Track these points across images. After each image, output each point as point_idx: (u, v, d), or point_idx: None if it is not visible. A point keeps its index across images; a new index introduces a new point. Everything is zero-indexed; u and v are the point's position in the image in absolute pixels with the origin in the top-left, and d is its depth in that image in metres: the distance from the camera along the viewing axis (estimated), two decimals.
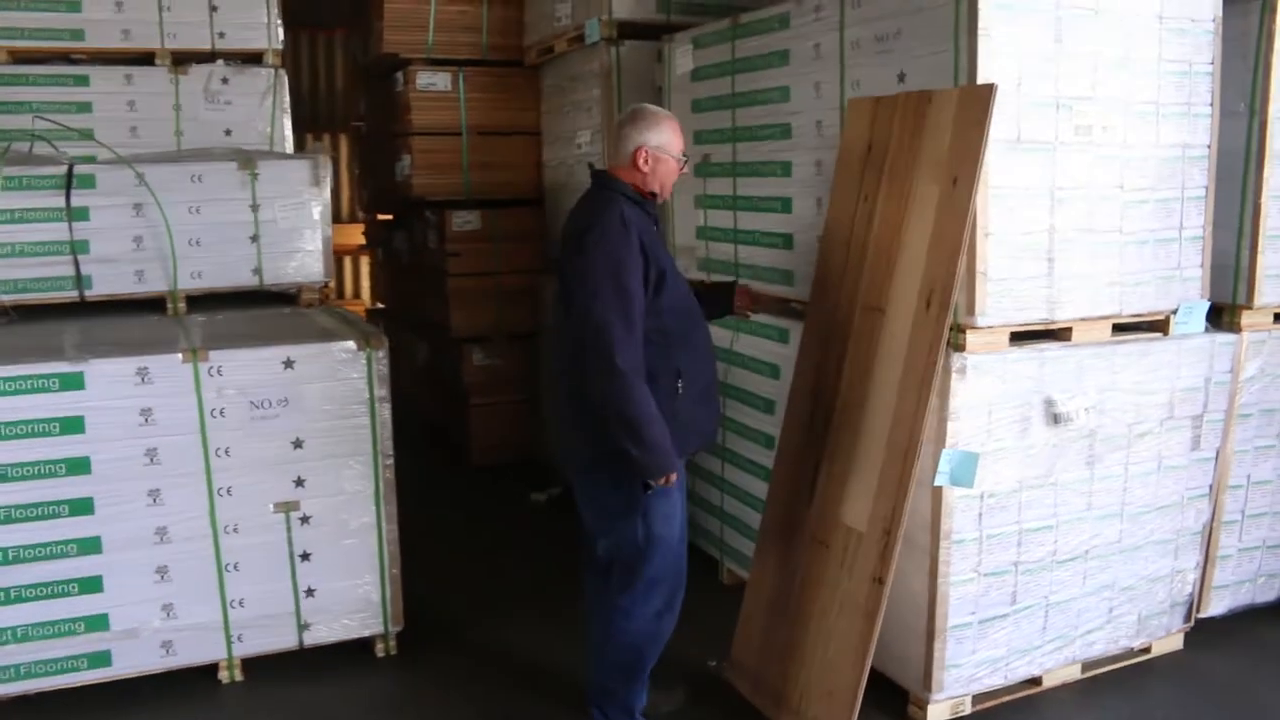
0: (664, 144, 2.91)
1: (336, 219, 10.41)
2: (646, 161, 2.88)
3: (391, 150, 6.11)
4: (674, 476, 2.83)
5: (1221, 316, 3.58)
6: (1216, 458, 3.58)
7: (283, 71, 4.91)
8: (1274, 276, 3.58)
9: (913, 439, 2.88)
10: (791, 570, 3.28)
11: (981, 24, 2.86)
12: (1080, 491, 3.30)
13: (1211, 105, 3.34)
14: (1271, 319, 3.63)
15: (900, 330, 2.98)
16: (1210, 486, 3.58)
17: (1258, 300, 3.55)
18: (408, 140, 5.70)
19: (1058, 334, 3.21)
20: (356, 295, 10.73)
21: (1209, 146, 3.36)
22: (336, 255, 10.28)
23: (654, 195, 2.95)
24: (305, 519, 3.51)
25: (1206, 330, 3.48)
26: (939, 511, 3.07)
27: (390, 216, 7.41)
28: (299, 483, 3.48)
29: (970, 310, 3.00)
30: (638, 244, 2.74)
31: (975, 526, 3.14)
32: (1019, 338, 3.13)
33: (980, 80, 2.86)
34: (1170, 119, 3.26)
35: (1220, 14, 3.30)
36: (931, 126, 2.97)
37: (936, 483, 3.03)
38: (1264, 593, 3.91)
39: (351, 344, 3.50)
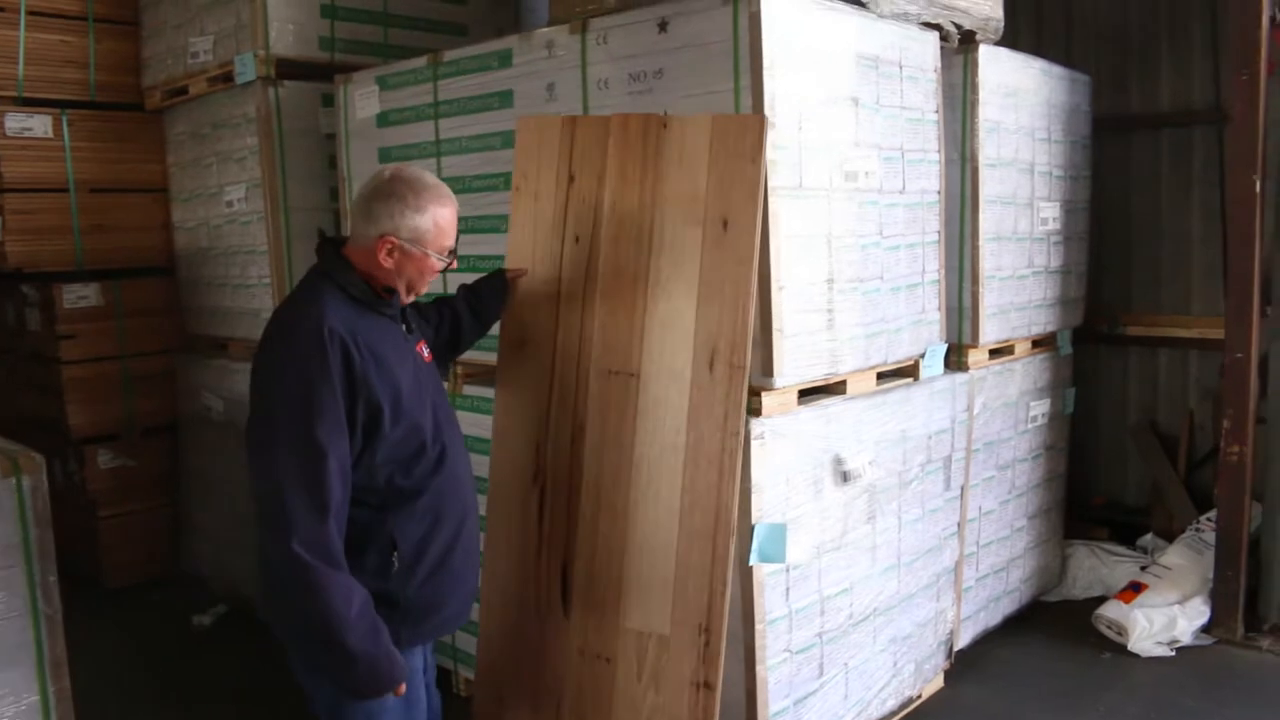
0: (422, 236, 2.13)
1: None
2: (391, 254, 2.12)
3: None
4: (402, 687, 2.07)
5: (949, 357, 3.66)
6: (961, 495, 3.64)
7: None
8: (994, 315, 3.73)
9: (720, 519, 2.51)
10: (550, 698, 2.70)
11: (766, 61, 2.66)
12: (865, 548, 3.19)
13: (940, 152, 3.40)
14: (987, 355, 3.79)
15: (671, 397, 2.57)
16: (958, 524, 3.64)
17: (982, 338, 3.67)
18: None
19: (832, 388, 3.08)
20: None
21: (939, 192, 3.42)
22: None
23: (390, 293, 2.18)
24: None
25: (946, 372, 3.54)
26: (750, 592, 2.80)
27: None
28: None
29: (766, 370, 2.77)
30: (340, 371, 1.97)
31: (784, 602, 2.91)
32: (802, 395, 2.97)
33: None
34: (913, 165, 3.27)
35: (939, 65, 3.38)
36: (674, 158, 2.62)
37: (750, 561, 2.76)
38: (993, 617, 4.06)
39: None
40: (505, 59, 3.34)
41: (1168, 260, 4.95)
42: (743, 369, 2.49)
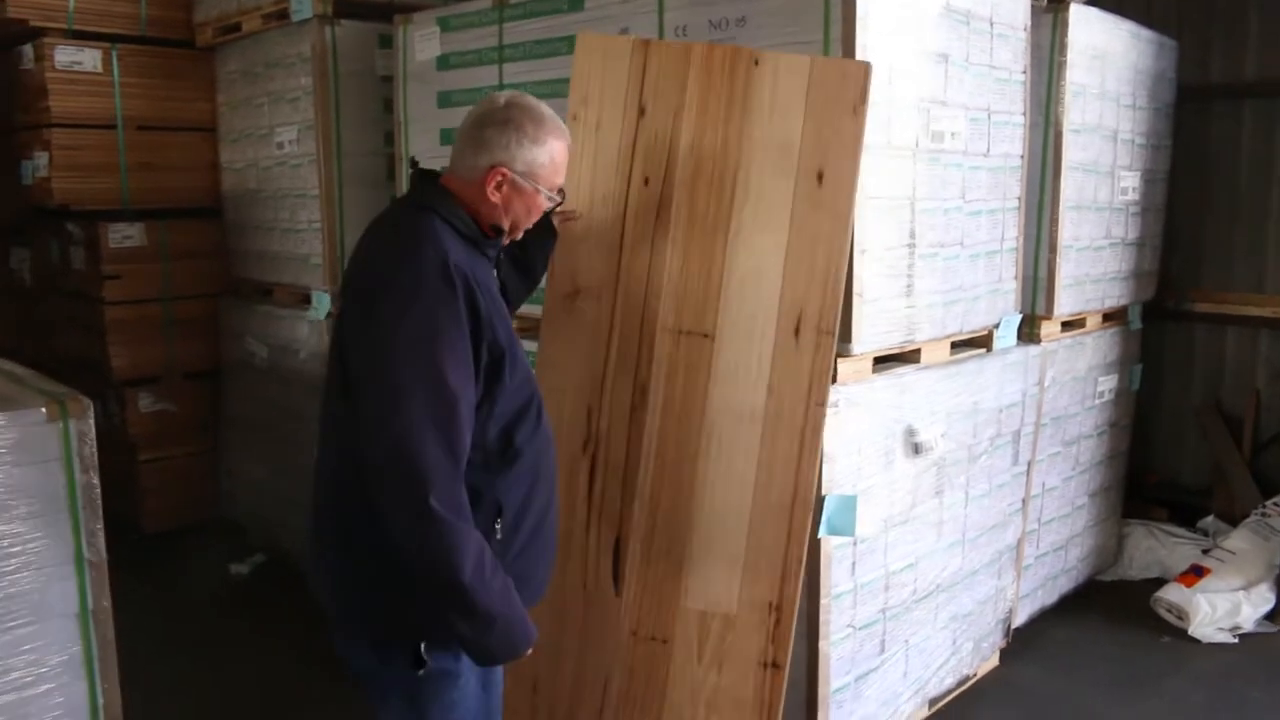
0: (536, 171, 1.91)
1: None
2: (500, 188, 1.89)
3: (15, 146, 4.80)
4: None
5: (1021, 328, 3.53)
6: (1028, 471, 3.53)
7: None
8: (1069, 286, 3.59)
9: (799, 494, 2.40)
10: (594, 684, 2.55)
11: (860, 11, 2.52)
12: (932, 523, 3.09)
13: (1025, 115, 3.26)
14: (1060, 328, 3.65)
15: (750, 364, 2.42)
16: (1023, 500, 3.53)
17: (1057, 310, 3.54)
18: (42, 133, 4.48)
19: (906, 357, 2.97)
20: None
21: (1022, 157, 3.28)
22: None
23: (497, 232, 1.96)
24: None
25: (1018, 344, 3.42)
26: (816, 565, 2.71)
27: None
28: None
29: (844, 336, 2.66)
30: (466, 309, 1.77)
31: (850, 577, 2.82)
32: (877, 363, 2.86)
33: None
34: (999, 127, 3.13)
35: (1030, 23, 3.23)
36: (764, 100, 2.41)
37: (820, 534, 2.66)
38: (1049, 595, 3.96)
39: (40, 411, 2.52)
40: (576, 2, 3.20)
41: (1242, 236, 4.78)
42: (831, 335, 2.37)
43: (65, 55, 4.40)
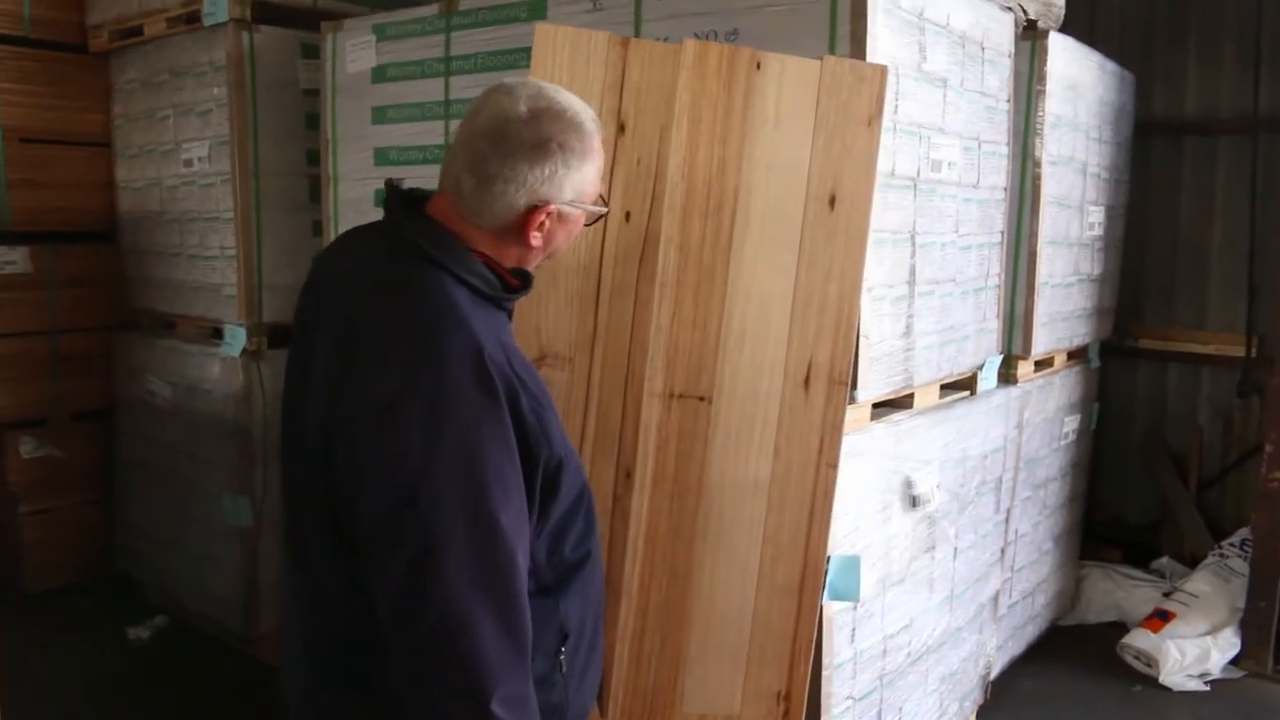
0: (585, 188, 1.50)
1: None
2: (544, 226, 1.48)
3: None
4: None
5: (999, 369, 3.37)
6: (1007, 518, 3.36)
7: None
8: (1044, 324, 3.44)
9: (809, 567, 2.14)
10: None
11: (870, 27, 2.30)
12: (925, 580, 2.87)
13: (1009, 145, 3.10)
14: (1033, 368, 3.51)
15: (755, 427, 2.11)
16: (1001, 549, 3.36)
17: (1034, 349, 3.39)
18: None
19: (899, 402, 2.76)
20: None
21: (1006, 189, 3.12)
22: None
23: (524, 279, 1.53)
24: None
25: (997, 385, 3.25)
26: (818, 634, 2.45)
27: None
28: None
29: (851, 383, 2.42)
30: (512, 419, 1.36)
31: (850, 644, 2.58)
32: (874, 410, 2.64)
33: None
34: (987, 157, 2.96)
35: (1014, 49, 3.08)
36: (769, 110, 2.07)
37: (822, 600, 2.41)
38: (1018, 645, 3.79)
39: None
40: (537, 10, 2.91)
41: (1183, 272, 4.75)
42: (844, 385, 2.12)
43: None
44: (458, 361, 1.34)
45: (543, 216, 1.47)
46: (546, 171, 1.44)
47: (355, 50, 3.43)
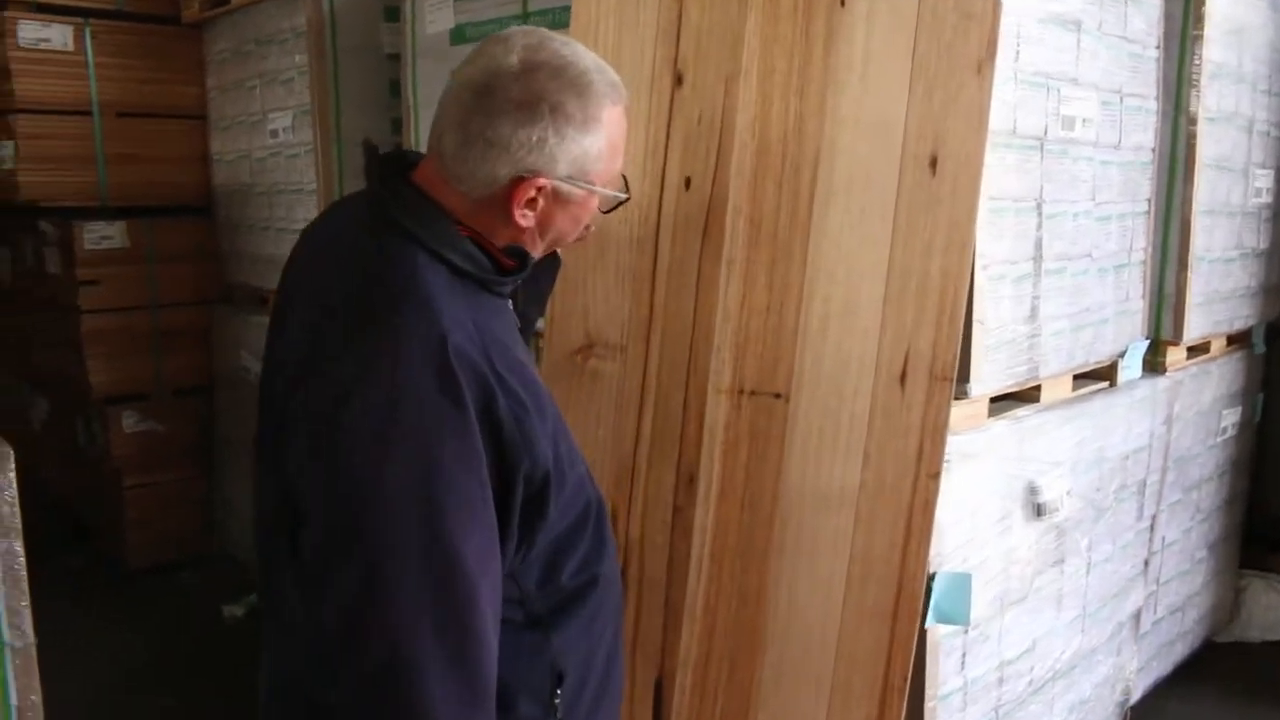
0: (589, 164, 1.24)
1: None
2: (535, 204, 1.24)
3: None
4: None
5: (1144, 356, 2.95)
6: (1152, 525, 2.96)
7: None
8: (1199, 305, 3.00)
9: (905, 590, 1.84)
10: None
11: None
12: (1052, 597, 2.52)
13: (1157, 99, 2.68)
14: (1186, 354, 3.07)
15: (840, 428, 1.84)
16: (1145, 561, 2.96)
17: (1186, 334, 2.96)
18: (7, 120, 3.97)
19: (1023, 395, 2.41)
20: None
21: (1154, 150, 2.71)
22: None
23: (520, 259, 1.28)
24: None
25: (1142, 374, 2.85)
26: (920, 662, 2.14)
27: None
28: None
29: (963, 375, 2.10)
30: (483, 427, 1.13)
31: (959, 672, 2.26)
32: (992, 405, 2.31)
33: None
34: (1130, 113, 2.56)
35: None
36: (854, 59, 1.77)
37: (926, 623, 2.10)
38: (1164, 665, 3.37)
39: None
40: None
41: None
42: (949, 381, 1.81)
43: (30, 32, 3.88)
44: (416, 352, 1.11)
45: (531, 191, 1.21)
46: (534, 137, 1.18)
47: (434, 10, 3.22)
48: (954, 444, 2.11)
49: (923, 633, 2.12)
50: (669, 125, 1.84)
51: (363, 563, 1.09)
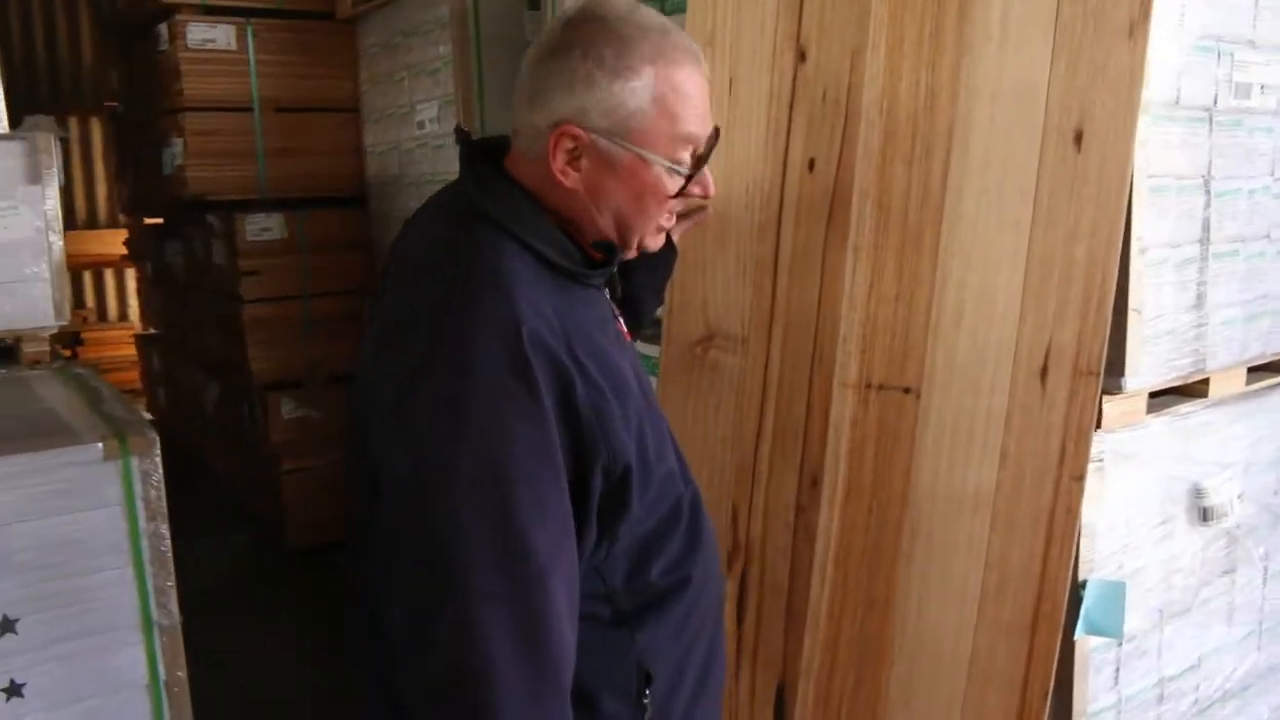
0: (630, 121, 1.17)
1: (93, 224, 8.53)
2: (575, 161, 1.19)
3: (157, 133, 4.56)
4: None
5: None
6: None
7: None
8: None
9: (1044, 601, 1.72)
10: None
11: None
12: (1221, 610, 2.31)
13: None
14: None
15: (975, 425, 1.72)
16: None
17: None
18: (177, 118, 4.19)
19: (1189, 390, 2.20)
20: (124, 318, 8.76)
21: None
22: (96, 268, 8.46)
23: (607, 252, 1.25)
24: None
25: None
26: (1068, 675, 1.99)
27: (160, 220, 5.75)
28: (12, 690, 2.08)
29: (1114, 368, 1.92)
30: (559, 416, 1.10)
31: (1112, 689, 2.09)
32: (1151, 400, 2.12)
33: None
34: None
35: None
36: (991, 25, 1.65)
37: (1075, 634, 1.96)
38: None
39: (94, 447, 2.11)
40: None
41: None
42: (1096, 376, 1.66)
43: (198, 33, 4.09)
44: (490, 336, 1.09)
45: (568, 143, 1.18)
46: (564, 80, 1.16)
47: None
48: (1108, 442, 1.95)
49: (1070, 645, 1.97)
50: (791, 104, 1.75)
51: (431, 550, 1.07)
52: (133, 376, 7.11)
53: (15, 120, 3.07)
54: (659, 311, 1.87)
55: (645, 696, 1.24)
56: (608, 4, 1.18)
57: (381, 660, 1.32)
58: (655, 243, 1.31)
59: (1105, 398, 1.93)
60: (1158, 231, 1.97)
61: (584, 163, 1.19)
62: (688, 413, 1.85)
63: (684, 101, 1.20)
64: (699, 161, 1.25)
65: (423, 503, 1.08)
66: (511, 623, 1.06)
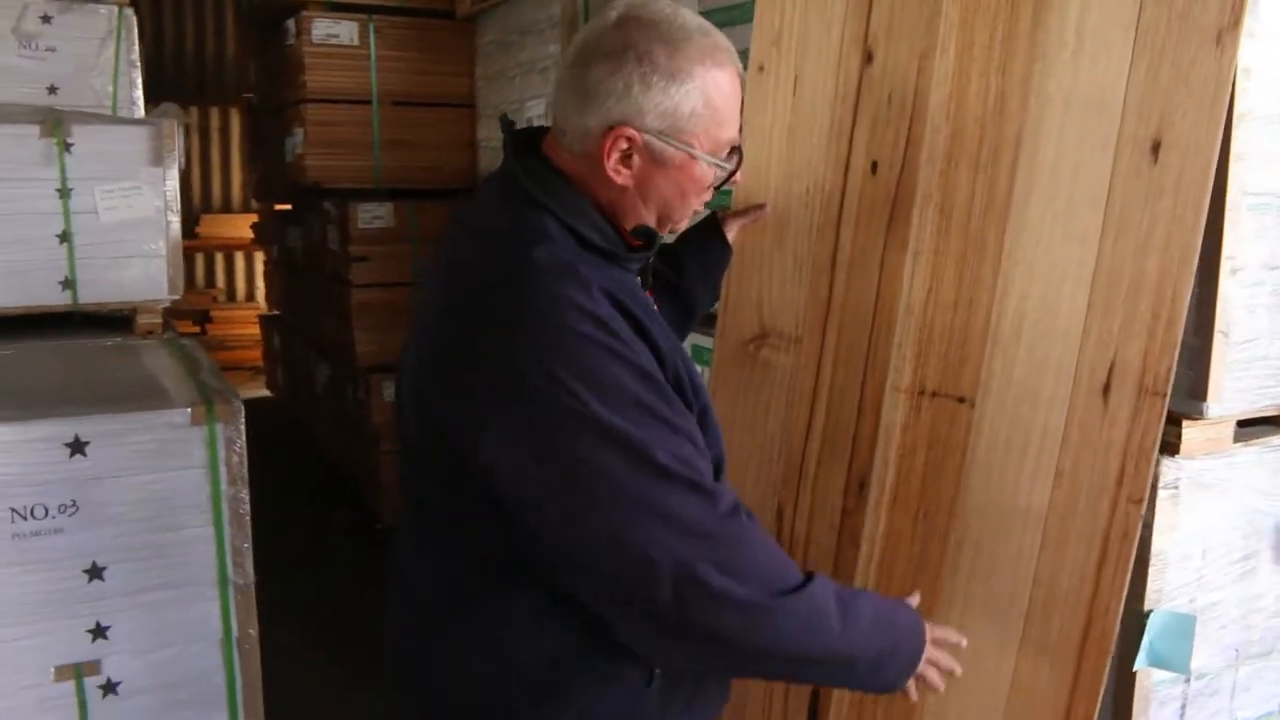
0: (682, 121, 1.22)
1: (227, 208, 8.98)
2: (628, 160, 1.23)
3: (282, 123, 4.78)
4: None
5: None
6: None
7: (129, 11, 3.55)
8: None
9: (1093, 627, 1.64)
10: None
11: None
12: None
13: None
14: None
15: (1031, 439, 1.66)
16: None
17: None
18: (299, 109, 4.39)
19: (1276, 420, 2.09)
20: (250, 298, 9.24)
21: None
22: (228, 250, 8.91)
23: (647, 238, 1.29)
24: (109, 687, 2.23)
25: None
26: (1127, 708, 1.92)
27: (287, 206, 6.03)
28: (98, 632, 2.21)
29: (1196, 392, 1.84)
30: (635, 341, 1.18)
31: None
32: (1239, 429, 2.02)
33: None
34: None
35: None
36: (1065, 30, 1.59)
37: (1137, 665, 1.88)
38: None
39: (184, 412, 2.23)
40: None
41: None
42: (1162, 396, 1.59)
43: (322, 28, 4.27)
44: (557, 302, 1.14)
45: (623, 144, 1.22)
46: (620, 84, 1.20)
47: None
48: (1187, 469, 1.87)
49: (1130, 676, 1.90)
50: (856, 106, 1.73)
51: (598, 517, 1.12)
52: (255, 355, 7.45)
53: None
54: (713, 307, 1.88)
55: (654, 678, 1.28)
56: (652, 6, 1.23)
57: (417, 652, 1.44)
58: (685, 224, 1.38)
59: (1186, 423, 1.85)
60: (1255, 253, 1.87)
61: (635, 160, 1.24)
62: (737, 409, 1.84)
63: (728, 101, 1.26)
64: (735, 155, 1.31)
65: (546, 485, 1.12)
66: (703, 541, 1.13)
